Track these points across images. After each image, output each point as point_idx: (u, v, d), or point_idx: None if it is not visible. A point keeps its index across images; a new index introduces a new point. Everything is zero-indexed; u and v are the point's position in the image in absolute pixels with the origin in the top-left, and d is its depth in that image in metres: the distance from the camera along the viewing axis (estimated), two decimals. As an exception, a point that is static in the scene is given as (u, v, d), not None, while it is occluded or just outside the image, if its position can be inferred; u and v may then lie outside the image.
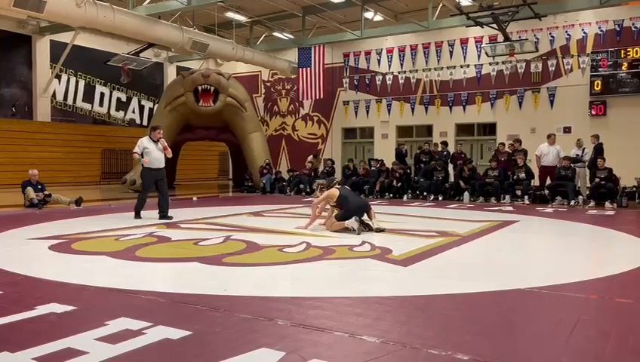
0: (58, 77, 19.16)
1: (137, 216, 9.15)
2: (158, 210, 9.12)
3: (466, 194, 13.39)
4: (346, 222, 7.41)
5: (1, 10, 12.01)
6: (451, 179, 14.57)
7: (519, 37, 16.01)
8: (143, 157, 9.00)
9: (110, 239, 6.89)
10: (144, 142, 9.12)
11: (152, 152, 9.03)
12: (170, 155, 9.37)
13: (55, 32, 18.19)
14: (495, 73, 17.87)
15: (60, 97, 19.42)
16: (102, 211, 10.74)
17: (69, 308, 3.67)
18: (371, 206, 7.97)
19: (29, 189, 11.14)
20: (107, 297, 4.13)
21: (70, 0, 12.32)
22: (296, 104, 22.25)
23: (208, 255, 5.78)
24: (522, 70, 17.37)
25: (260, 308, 3.74)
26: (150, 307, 3.82)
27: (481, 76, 18.14)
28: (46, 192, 11.35)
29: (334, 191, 7.83)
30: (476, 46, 18.04)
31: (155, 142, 9.13)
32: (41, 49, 18.62)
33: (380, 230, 7.42)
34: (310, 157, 17.65)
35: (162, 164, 9.19)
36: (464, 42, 18.37)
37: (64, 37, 18.15)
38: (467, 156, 15.63)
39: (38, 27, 18.22)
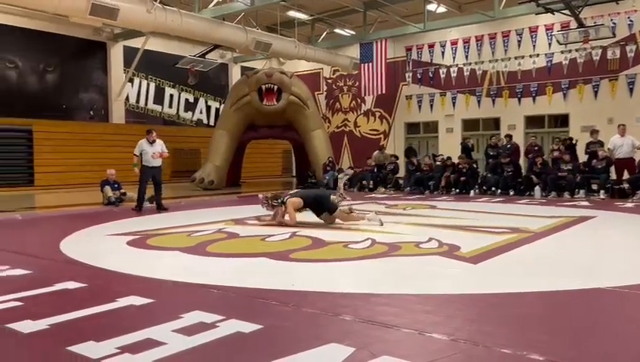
0: (131, 81, 20.11)
1: (139, 207, 10.40)
2: (155, 204, 10.58)
3: (537, 188, 12.83)
4: (367, 216, 7.81)
5: (78, 19, 12.72)
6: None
7: (594, 22, 15.14)
8: (142, 156, 10.30)
9: (182, 235, 7.16)
10: (142, 144, 10.37)
11: (149, 153, 10.27)
12: (164, 157, 10.56)
13: (127, 38, 19.11)
14: (567, 62, 17.01)
15: (132, 100, 20.40)
16: (173, 208, 11.15)
17: (147, 300, 3.86)
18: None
19: (107, 188, 11.77)
20: (181, 291, 4.30)
21: (141, 7, 12.90)
22: (358, 100, 22.18)
23: (276, 250, 5.88)
24: (597, 57, 16.43)
25: (328, 304, 3.77)
26: (222, 301, 3.94)
27: (551, 65, 17.33)
28: (122, 191, 11.94)
29: (295, 201, 7.75)
30: (547, 34, 17.25)
31: (151, 143, 10.31)
32: (115, 54, 19.64)
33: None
34: (376, 152, 17.50)
35: (155, 163, 10.41)
36: (533, 31, 17.63)
37: (136, 42, 19.03)
38: (541, 148, 14.85)
39: (112, 34, 19.20)
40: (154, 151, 10.30)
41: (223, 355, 2.85)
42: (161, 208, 10.52)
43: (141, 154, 10.36)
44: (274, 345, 2.96)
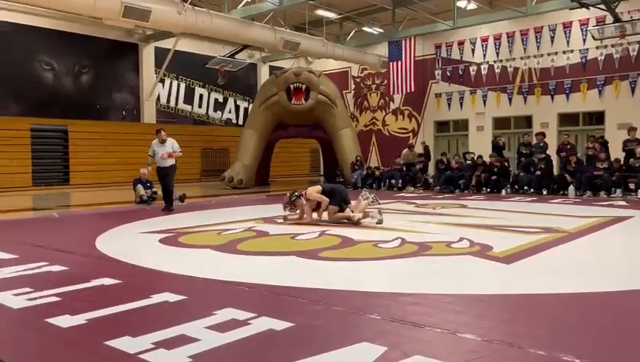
0: (162, 81, 20.45)
1: (168, 207, 10.39)
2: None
3: (572, 188, 12.54)
4: (371, 213, 7.76)
5: (111, 21, 13.00)
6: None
7: (631, 17, 14.68)
8: (154, 156, 10.34)
9: (213, 233, 7.25)
10: (154, 144, 10.37)
11: (158, 154, 10.29)
12: (175, 156, 10.38)
13: (159, 39, 19.43)
14: (603, 57, 16.56)
15: (163, 100, 20.75)
16: (203, 207, 11.31)
17: (180, 297, 3.92)
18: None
19: (139, 187, 12.00)
20: (213, 288, 4.36)
21: (172, 8, 13.11)
22: (387, 99, 22.06)
23: (305, 249, 5.90)
24: (635, 53, 15.94)
25: (359, 303, 3.76)
26: (253, 298, 3.98)
27: (586, 61, 16.90)
28: (154, 189, 12.15)
29: (315, 187, 8.06)
30: (581, 29, 16.82)
31: (162, 143, 10.28)
32: (147, 55, 19.99)
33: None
34: (405, 151, 17.38)
35: (166, 163, 10.35)
36: (567, 26, 17.21)
37: (166, 43, 19.33)
38: (574, 147, 14.49)
39: (144, 35, 19.56)
40: (163, 151, 10.24)
41: (256, 352, 2.88)
42: (167, 208, 10.34)
43: (155, 154, 10.40)
44: (306, 343, 2.97)
